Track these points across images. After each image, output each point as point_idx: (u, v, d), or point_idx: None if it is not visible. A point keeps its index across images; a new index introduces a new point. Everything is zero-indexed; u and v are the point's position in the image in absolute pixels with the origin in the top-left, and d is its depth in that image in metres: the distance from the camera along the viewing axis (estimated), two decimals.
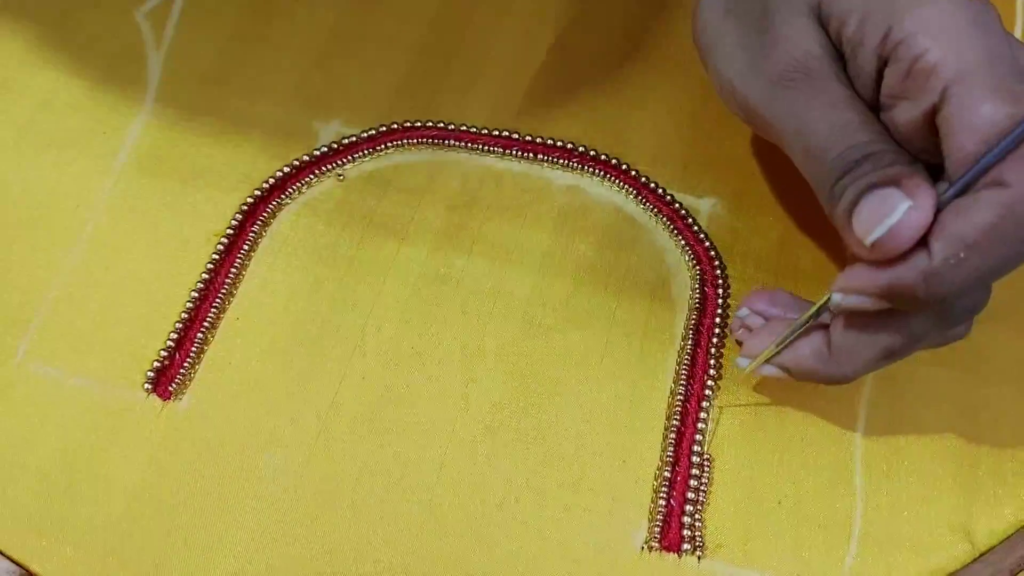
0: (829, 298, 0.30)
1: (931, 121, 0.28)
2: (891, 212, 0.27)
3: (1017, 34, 0.44)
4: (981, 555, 0.32)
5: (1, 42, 0.42)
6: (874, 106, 0.30)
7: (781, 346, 0.32)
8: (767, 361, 0.33)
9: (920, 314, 0.29)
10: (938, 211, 0.27)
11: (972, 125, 0.27)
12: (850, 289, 0.29)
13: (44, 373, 0.34)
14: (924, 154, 0.29)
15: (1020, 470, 0.33)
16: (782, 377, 0.33)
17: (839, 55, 0.31)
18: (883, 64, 0.29)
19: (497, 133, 0.40)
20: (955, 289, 0.27)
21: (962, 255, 0.27)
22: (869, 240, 0.28)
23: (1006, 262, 0.27)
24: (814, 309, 0.31)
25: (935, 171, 0.28)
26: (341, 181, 0.39)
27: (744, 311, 0.34)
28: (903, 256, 0.28)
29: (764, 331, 0.33)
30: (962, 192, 0.27)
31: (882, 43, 0.29)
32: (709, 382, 0.35)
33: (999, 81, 0.27)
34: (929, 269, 0.27)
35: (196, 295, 0.36)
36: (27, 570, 0.31)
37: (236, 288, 0.36)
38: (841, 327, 0.30)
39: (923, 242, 0.27)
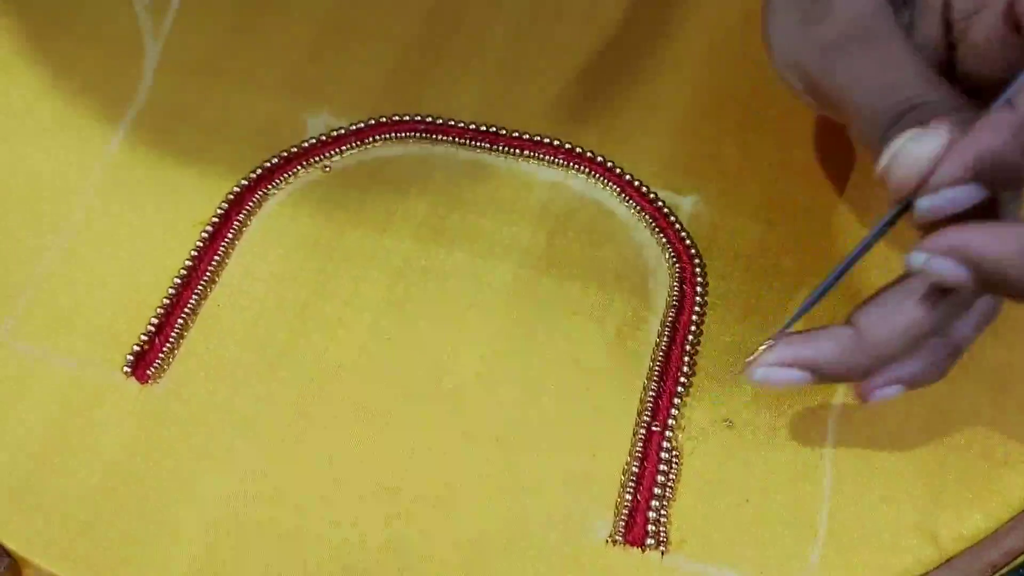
0: (907, 204, 0.27)
1: (1013, 21, 0.27)
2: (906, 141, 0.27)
3: None
4: (948, 560, 0.32)
5: (0, 30, 0.43)
6: (943, 50, 0.30)
7: (833, 277, 0.29)
8: (781, 362, 0.29)
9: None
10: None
11: None
12: (939, 181, 0.26)
13: (27, 351, 0.35)
14: (1015, 68, 0.28)
15: (990, 476, 0.33)
16: (803, 381, 0.29)
17: (894, 5, 0.30)
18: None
19: (483, 128, 0.40)
20: None
21: None
22: (878, 170, 0.27)
23: None
24: (889, 216, 0.28)
25: None
26: (327, 172, 0.39)
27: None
28: (988, 124, 0.26)
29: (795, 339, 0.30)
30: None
31: None
32: (682, 379, 0.35)
33: None
34: (1017, 123, 0.25)
35: (179, 281, 0.36)
36: (1, 545, 0.31)
37: (219, 275, 0.37)
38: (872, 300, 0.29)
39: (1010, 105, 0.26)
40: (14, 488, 0.32)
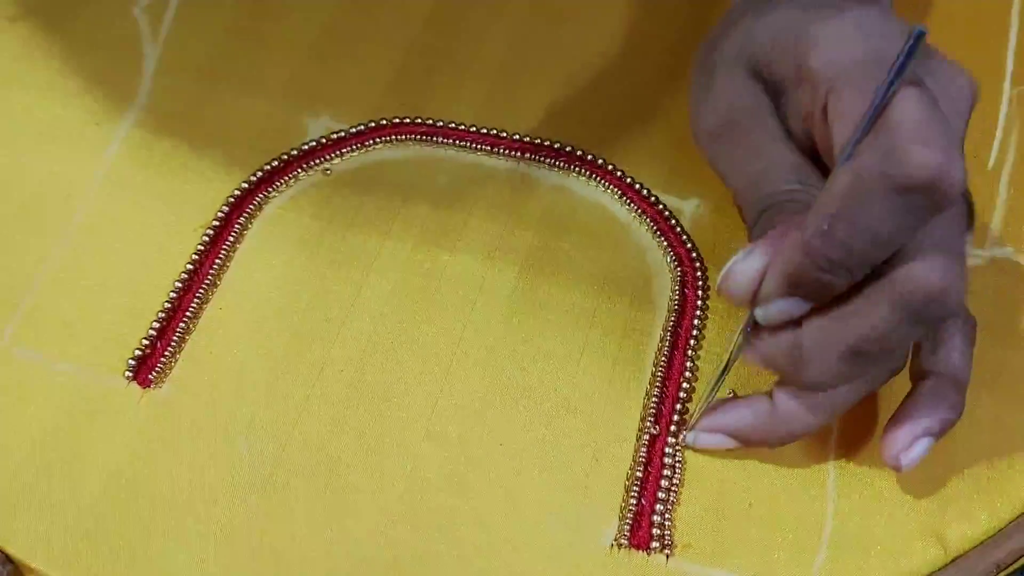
0: (749, 319, 0.31)
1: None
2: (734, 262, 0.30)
3: (1012, 42, 0.44)
4: (953, 560, 0.32)
5: None
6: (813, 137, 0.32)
7: (716, 383, 0.33)
8: (708, 428, 0.33)
9: (869, 298, 0.29)
10: None
11: (842, 117, 0.28)
12: (766, 295, 0.30)
13: (28, 357, 0.35)
14: None
15: (995, 476, 0.33)
16: (729, 445, 0.33)
17: (777, 92, 0.33)
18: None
19: (485, 131, 0.40)
20: (836, 258, 0.27)
21: (826, 225, 0.27)
22: (718, 284, 0.30)
23: (870, 226, 0.27)
24: (737, 336, 0.31)
25: None
26: (328, 176, 0.39)
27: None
28: (784, 241, 0.29)
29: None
30: None
31: (796, 71, 0.31)
32: (684, 384, 0.35)
33: (867, 71, 0.28)
34: (804, 240, 0.28)
35: (180, 285, 0.36)
36: (2, 550, 0.31)
37: (220, 279, 0.37)
38: (807, 327, 0.30)
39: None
40: (16, 493, 0.32)
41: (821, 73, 0.29)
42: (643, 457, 0.33)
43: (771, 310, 0.30)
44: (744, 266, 0.30)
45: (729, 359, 0.32)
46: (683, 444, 0.34)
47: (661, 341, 0.36)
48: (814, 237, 0.27)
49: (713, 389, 0.33)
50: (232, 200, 0.38)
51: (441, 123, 0.40)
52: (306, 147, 0.40)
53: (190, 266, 0.37)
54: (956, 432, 0.34)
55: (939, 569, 0.32)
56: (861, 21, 0.30)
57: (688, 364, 0.35)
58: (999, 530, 0.32)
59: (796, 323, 0.30)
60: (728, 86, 0.33)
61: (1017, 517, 0.33)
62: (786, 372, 0.31)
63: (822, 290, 0.29)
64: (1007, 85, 0.43)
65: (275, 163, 0.39)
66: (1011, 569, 0.32)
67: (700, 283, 0.37)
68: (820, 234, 0.27)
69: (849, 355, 0.29)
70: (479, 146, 0.40)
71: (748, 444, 0.33)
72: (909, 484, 0.33)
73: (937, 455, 0.33)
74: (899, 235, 0.27)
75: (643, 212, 0.39)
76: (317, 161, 0.39)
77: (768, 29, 0.32)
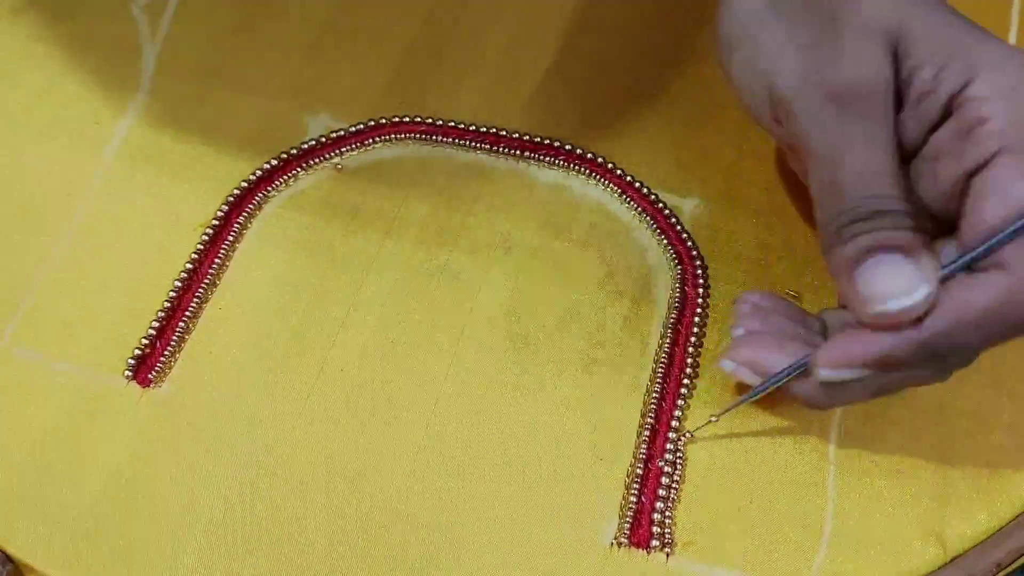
0: (807, 362, 0.30)
1: (965, 182, 0.28)
2: (907, 291, 0.28)
3: (1012, 41, 0.44)
4: (953, 559, 0.32)
5: None
6: (914, 150, 0.30)
7: (751, 398, 0.33)
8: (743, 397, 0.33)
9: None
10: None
11: (1005, 197, 0.27)
12: (839, 364, 0.29)
13: (28, 357, 0.35)
14: (939, 212, 0.30)
15: (995, 476, 0.33)
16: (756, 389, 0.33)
17: (899, 93, 0.29)
18: (945, 116, 0.29)
19: (485, 129, 0.40)
20: (944, 354, 0.28)
21: (955, 332, 0.27)
22: (876, 310, 0.28)
23: (996, 340, 0.28)
24: (791, 369, 0.31)
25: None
26: (339, 171, 0.39)
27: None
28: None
29: (754, 341, 0.33)
30: (968, 265, 0.28)
31: (953, 97, 0.29)
32: (685, 380, 0.35)
33: None
34: (921, 341, 0.28)
35: (180, 284, 0.36)
36: (2, 550, 0.31)
37: (220, 278, 0.37)
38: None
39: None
40: (16, 493, 0.32)
41: (998, 133, 0.27)
42: (643, 454, 0.33)
43: (840, 375, 0.30)
44: (920, 304, 0.28)
45: (759, 389, 0.32)
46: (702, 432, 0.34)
47: (661, 339, 0.36)
48: (937, 338, 0.28)
49: (733, 405, 0.33)
50: (231, 199, 0.38)
51: (440, 122, 0.40)
52: (305, 146, 0.39)
53: (189, 265, 0.37)
54: (956, 432, 0.34)
55: (939, 569, 0.32)
56: None
57: (689, 361, 0.35)
58: (999, 530, 0.32)
59: None
60: (873, 53, 0.29)
61: (1017, 517, 0.33)
62: (805, 400, 0.32)
63: (904, 370, 0.29)
64: None
65: (274, 162, 0.39)
66: (1011, 569, 0.32)
67: (700, 281, 0.37)
68: (946, 338, 0.28)
69: (870, 395, 0.31)
70: (479, 145, 0.40)
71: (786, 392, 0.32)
72: (908, 483, 0.33)
73: (937, 455, 0.34)
74: None
75: (643, 210, 0.39)
76: (317, 160, 0.39)
77: (939, 34, 0.29)
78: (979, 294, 0.27)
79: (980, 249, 0.27)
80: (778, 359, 0.32)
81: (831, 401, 0.31)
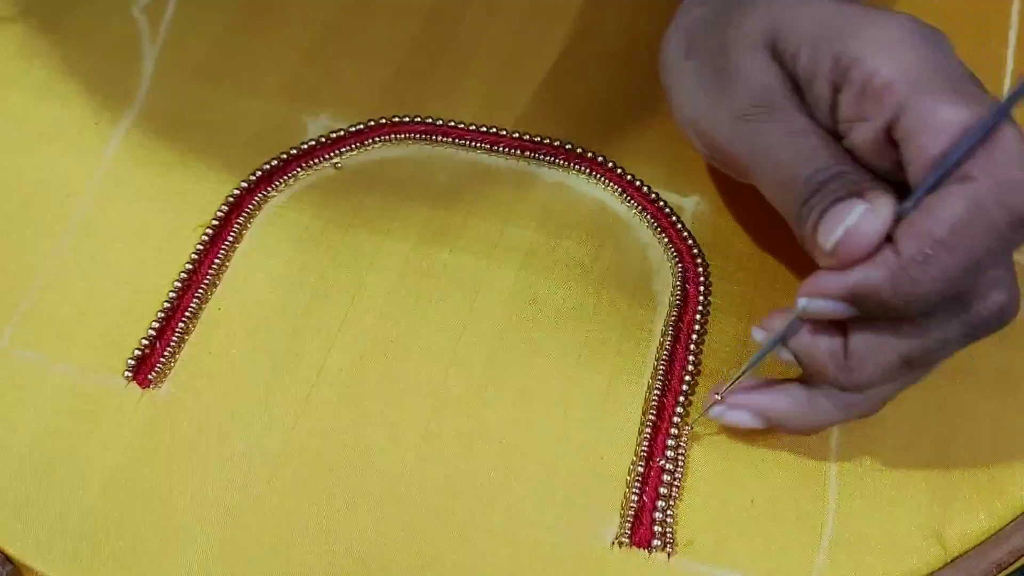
0: (793, 318, 0.30)
1: (888, 137, 0.28)
2: (850, 216, 0.27)
3: (1012, 41, 0.44)
4: (953, 560, 0.32)
5: None
6: (832, 133, 0.30)
7: (751, 365, 0.32)
8: (740, 404, 0.33)
9: (938, 315, 0.29)
10: (903, 217, 0.27)
11: (934, 128, 0.27)
12: (816, 292, 0.29)
13: (27, 358, 0.35)
14: (885, 175, 0.29)
15: (995, 476, 0.33)
16: (753, 426, 0.32)
17: (796, 87, 0.31)
18: (837, 90, 0.29)
19: (485, 129, 0.40)
20: (924, 290, 0.27)
21: (929, 251, 0.26)
22: (828, 245, 0.28)
23: (975, 257, 0.26)
24: (785, 325, 0.31)
25: (898, 190, 0.28)
26: (338, 169, 0.39)
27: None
28: (871, 257, 0.27)
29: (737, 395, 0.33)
30: (929, 193, 0.27)
31: (833, 69, 0.29)
32: (687, 378, 0.35)
33: (954, 85, 0.27)
34: (896, 266, 0.27)
35: (179, 285, 0.36)
36: (2, 551, 0.31)
37: (220, 279, 0.37)
38: (857, 331, 0.29)
39: (892, 243, 0.27)
40: (16, 494, 0.32)
41: (892, 82, 0.28)
42: (644, 453, 0.33)
43: (820, 306, 0.29)
44: (869, 227, 0.27)
45: (762, 351, 0.31)
46: (705, 416, 0.33)
47: (663, 337, 0.36)
48: (912, 264, 0.27)
49: (739, 376, 0.32)
50: (231, 200, 0.38)
51: (440, 121, 0.40)
52: (305, 146, 0.39)
53: (189, 265, 0.36)
54: (956, 432, 0.34)
55: (939, 569, 0.32)
56: (914, 27, 0.28)
57: (690, 359, 0.35)
58: (999, 530, 0.32)
59: (839, 323, 0.30)
60: (757, 66, 0.31)
61: (1017, 517, 0.33)
62: (826, 373, 0.30)
63: (887, 312, 0.28)
64: (1007, 85, 0.43)
65: (274, 162, 0.39)
66: (1011, 569, 0.32)
67: (701, 279, 0.37)
68: (921, 260, 0.26)
69: (899, 363, 0.29)
70: (479, 144, 0.40)
71: (772, 426, 0.32)
72: (909, 484, 0.33)
73: (937, 455, 0.34)
74: (992, 264, 0.27)
75: (644, 209, 0.39)
76: (317, 160, 0.39)
77: (805, 19, 0.30)
78: (947, 206, 0.26)
79: (935, 174, 0.27)
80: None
81: (858, 375, 0.30)
